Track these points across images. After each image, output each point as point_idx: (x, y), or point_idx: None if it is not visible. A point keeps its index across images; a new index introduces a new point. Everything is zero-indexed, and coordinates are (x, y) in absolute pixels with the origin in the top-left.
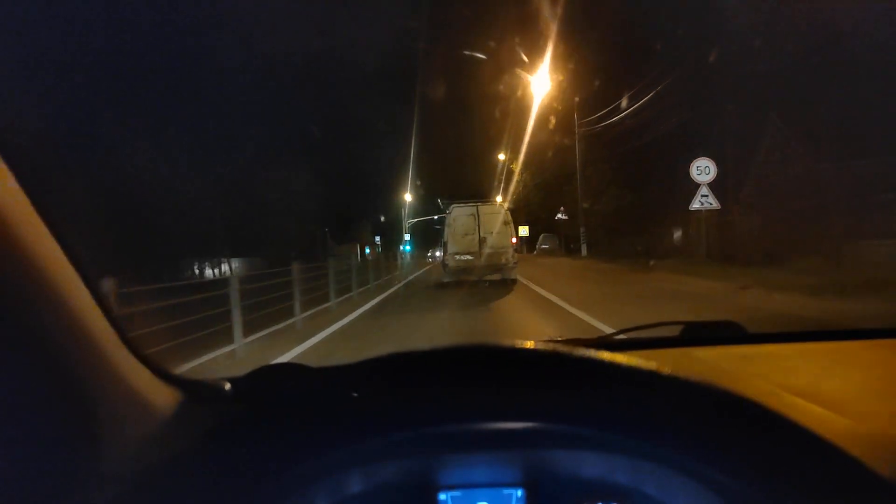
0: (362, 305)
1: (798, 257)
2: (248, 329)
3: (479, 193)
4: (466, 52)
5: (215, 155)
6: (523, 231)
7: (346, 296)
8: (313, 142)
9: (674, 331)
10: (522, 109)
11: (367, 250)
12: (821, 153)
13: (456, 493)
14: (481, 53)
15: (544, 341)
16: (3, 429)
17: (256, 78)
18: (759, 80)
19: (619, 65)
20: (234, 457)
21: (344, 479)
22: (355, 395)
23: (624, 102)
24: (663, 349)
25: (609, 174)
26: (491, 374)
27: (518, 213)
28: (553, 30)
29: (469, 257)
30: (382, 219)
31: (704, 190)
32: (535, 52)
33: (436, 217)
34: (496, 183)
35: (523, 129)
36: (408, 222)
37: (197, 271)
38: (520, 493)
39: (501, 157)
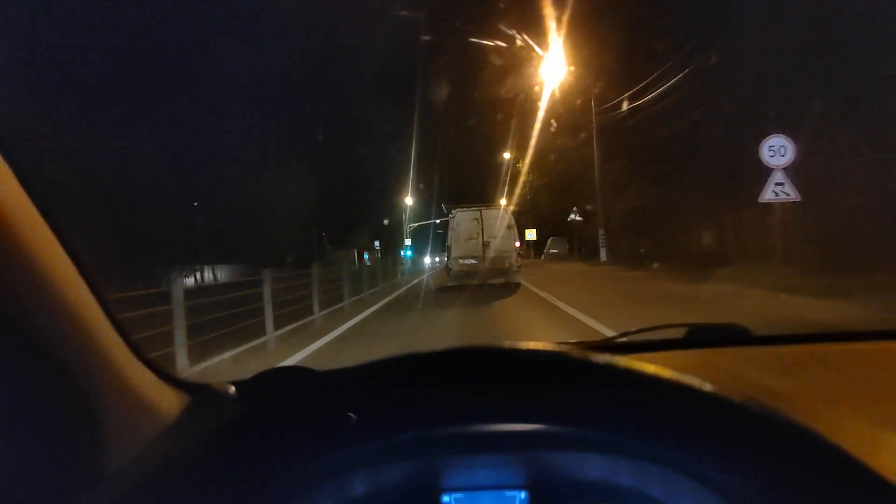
0: (352, 318)
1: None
2: (202, 352)
3: (482, 197)
4: (474, 40)
5: (203, 156)
6: (531, 234)
7: (337, 306)
8: (312, 144)
9: (678, 333)
10: (530, 102)
11: (367, 255)
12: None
13: (459, 495)
14: (488, 43)
15: (547, 343)
16: (9, 431)
17: (255, 79)
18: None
19: (642, 44)
20: (237, 459)
21: (348, 481)
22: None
23: (644, 88)
24: (668, 351)
25: (630, 169)
26: (494, 376)
27: (525, 216)
28: (565, 13)
29: (473, 261)
30: (386, 222)
31: (779, 176)
32: (546, 39)
33: (437, 221)
34: (501, 184)
35: (530, 127)
36: (409, 226)
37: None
38: (523, 495)
39: (507, 155)
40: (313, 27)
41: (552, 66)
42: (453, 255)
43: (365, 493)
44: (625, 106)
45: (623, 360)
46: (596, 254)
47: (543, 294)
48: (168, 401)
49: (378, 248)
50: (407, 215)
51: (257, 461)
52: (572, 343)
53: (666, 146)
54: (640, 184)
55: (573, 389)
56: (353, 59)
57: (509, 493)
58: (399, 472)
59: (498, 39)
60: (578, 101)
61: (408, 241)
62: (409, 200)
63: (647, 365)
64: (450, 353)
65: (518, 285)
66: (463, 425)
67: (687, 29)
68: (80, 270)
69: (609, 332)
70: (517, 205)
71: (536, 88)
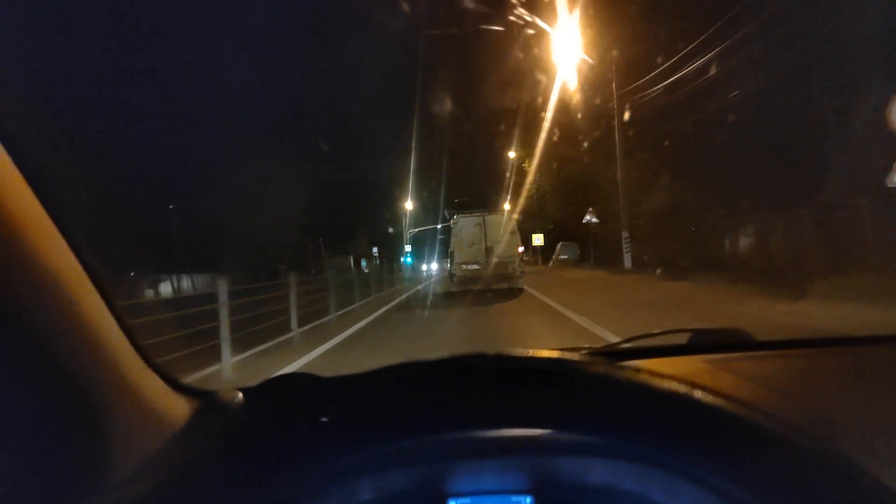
0: (334, 336)
1: None
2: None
3: (485, 202)
4: (483, 27)
5: (192, 158)
6: (537, 239)
7: (322, 320)
8: (311, 149)
9: (681, 338)
10: (537, 94)
11: (364, 262)
12: None
13: (465, 500)
14: (496, 28)
15: (551, 350)
16: (17, 436)
17: (255, 79)
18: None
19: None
20: (244, 465)
21: (354, 487)
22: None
23: (681, 60)
24: (671, 357)
25: (657, 163)
26: (499, 382)
27: (531, 220)
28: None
29: (476, 267)
30: (391, 230)
31: None
32: (555, 11)
33: (439, 227)
34: (504, 187)
35: (537, 126)
36: (409, 232)
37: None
38: (528, 500)
39: (512, 154)
40: (313, 28)
41: (564, 45)
42: (456, 260)
43: (371, 499)
44: (655, 84)
45: (626, 366)
46: (613, 260)
47: (580, 320)
48: (176, 407)
49: (376, 254)
50: (407, 221)
51: (263, 467)
52: (575, 349)
53: (703, 133)
54: (667, 181)
55: (577, 395)
56: (352, 59)
57: (515, 499)
58: (405, 477)
59: (506, 20)
60: (597, 77)
61: (408, 248)
62: (408, 205)
63: (650, 370)
64: (455, 360)
65: (521, 291)
66: (468, 430)
67: None
68: (91, 277)
69: None
70: (523, 208)
71: (544, 79)
